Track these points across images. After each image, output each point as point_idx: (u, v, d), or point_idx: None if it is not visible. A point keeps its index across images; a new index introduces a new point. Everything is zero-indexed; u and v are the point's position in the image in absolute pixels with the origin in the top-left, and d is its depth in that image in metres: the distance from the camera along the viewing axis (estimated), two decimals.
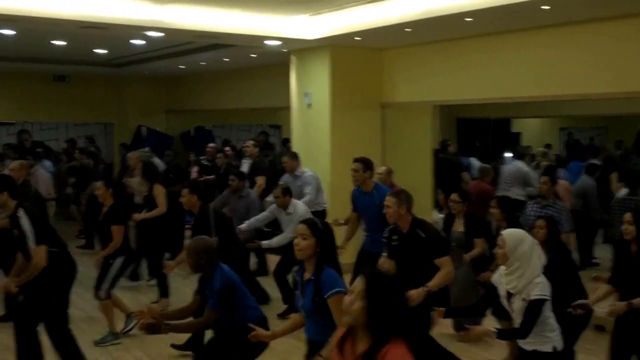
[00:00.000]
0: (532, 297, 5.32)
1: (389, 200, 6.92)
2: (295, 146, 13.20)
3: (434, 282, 6.62)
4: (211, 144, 16.95)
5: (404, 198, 6.93)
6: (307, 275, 5.00)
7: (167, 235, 10.86)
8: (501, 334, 5.76)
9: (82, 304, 10.23)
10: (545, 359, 5.47)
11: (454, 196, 8.94)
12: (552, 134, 22.17)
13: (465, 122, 21.08)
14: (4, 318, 9.29)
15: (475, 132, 20.35)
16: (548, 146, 20.21)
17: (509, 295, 5.51)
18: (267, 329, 5.80)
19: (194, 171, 16.13)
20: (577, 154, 16.16)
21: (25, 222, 6.99)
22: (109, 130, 21.97)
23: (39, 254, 7.03)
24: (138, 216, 10.65)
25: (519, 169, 13.26)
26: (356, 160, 8.89)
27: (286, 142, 17.60)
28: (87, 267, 9.32)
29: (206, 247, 6.28)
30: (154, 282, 11.15)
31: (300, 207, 9.77)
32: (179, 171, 15.97)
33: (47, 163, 16.41)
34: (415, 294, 6.47)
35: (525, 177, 12.89)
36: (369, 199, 8.73)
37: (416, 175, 12.29)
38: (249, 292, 6.34)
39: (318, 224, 5.07)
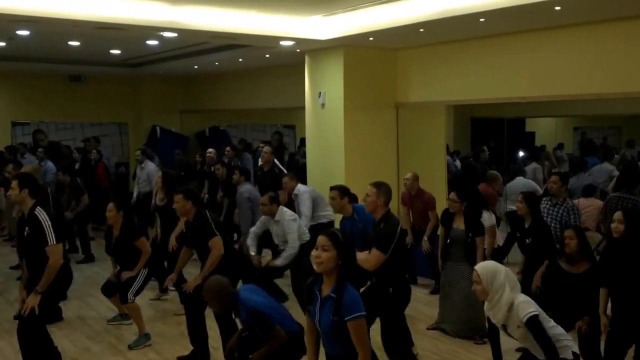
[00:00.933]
0: (524, 320, 5.36)
1: (370, 190, 7.12)
2: (309, 146, 13.28)
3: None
4: (210, 149, 15.79)
5: (384, 190, 7.14)
6: (326, 291, 4.75)
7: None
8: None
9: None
10: None
11: (452, 195, 9.07)
12: (565, 134, 22.10)
13: (480, 121, 21.06)
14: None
15: (489, 132, 20.34)
16: (560, 145, 20.22)
17: (504, 327, 5.59)
18: (300, 341, 5.92)
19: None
20: (591, 151, 16.26)
21: (44, 219, 7.01)
22: (124, 130, 22.04)
23: (57, 252, 7.04)
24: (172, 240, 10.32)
25: (527, 183, 13.10)
26: (332, 188, 8.83)
27: (303, 142, 17.46)
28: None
29: (224, 286, 6.55)
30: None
31: (286, 211, 9.81)
32: (189, 169, 16.02)
33: (50, 165, 16.32)
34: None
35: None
36: (352, 223, 8.61)
37: (430, 175, 12.31)
38: (277, 307, 6.53)
39: (339, 235, 4.78)
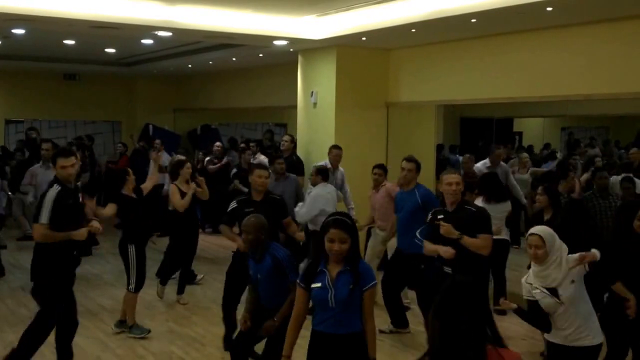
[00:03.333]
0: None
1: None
2: (301, 144, 13.40)
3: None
4: (218, 143, 17.12)
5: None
6: (338, 267, 4.99)
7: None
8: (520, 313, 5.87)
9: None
10: (591, 352, 5.74)
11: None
12: (553, 134, 22.22)
13: (469, 121, 21.21)
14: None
15: (478, 132, 20.50)
16: (547, 146, 20.39)
17: (552, 291, 5.65)
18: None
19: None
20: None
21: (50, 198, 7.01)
22: (117, 128, 22.13)
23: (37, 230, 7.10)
24: None
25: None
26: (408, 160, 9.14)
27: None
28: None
29: (265, 223, 6.60)
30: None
31: (326, 186, 10.18)
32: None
33: None
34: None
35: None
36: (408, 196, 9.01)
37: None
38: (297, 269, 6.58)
39: (350, 223, 5.01)
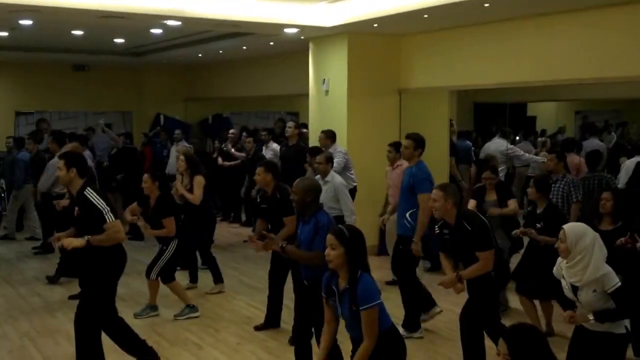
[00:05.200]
0: (611, 290, 5.47)
1: (436, 194, 6.79)
2: (313, 132, 13.32)
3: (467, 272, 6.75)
4: (232, 130, 17.15)
5: (451, 192, 6.81)
6: (343, 284, 5.06)
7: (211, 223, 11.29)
8: (599, 317, 5.60)
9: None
10: (618, 340, 5.65)
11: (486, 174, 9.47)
12: (567, 118, 22.10)
13: (482, 106, 21.07)
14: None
15: (491, 117, 20.36)
16: (561, 129, 20.30)
17: (574, 288, 5.63)
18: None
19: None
20: (592, 133, 16.66)
21: (96, 199, 6.71)
22: (128, 118, 22.08)
23: (117, 227, 6.77)
24: None
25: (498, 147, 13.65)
26: (408, 136, 9.22)
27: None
28: None
29: (314, 186, 6.74)
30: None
31: (337, 177, 9.82)
32: (205, 157, 16.14)
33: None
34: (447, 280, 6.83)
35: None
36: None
37: (432, 161, 12.33)
38: None
39: (345, 231, 5.07)
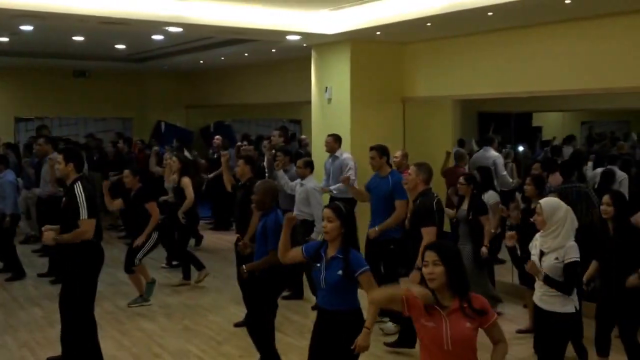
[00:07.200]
0: (568, 260, 6.07)
1: (411, 169, 7.98)
2: (315, 141, 13.21)
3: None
4: (217, 137, 17.01)
5: (425, 169, 7.96)
6: (331, 253, 5.61)
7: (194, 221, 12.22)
8: (547, 280, 6.14)
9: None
10: (566, 319, 6.19)
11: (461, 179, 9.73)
12: (573, 128, 22.00)
13: (487, 116, 20.95)
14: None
15: (496, 126, 20.25)
16: (571, 137, 20.07)
17: (542, 254, 6.22)
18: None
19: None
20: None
21: (80, 193, 7.24)
22: (128, 125, 22.02)
23: (88, 226, 7.25)
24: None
25: (486, 157, 13.30)
26: (372, 148, 9.83)
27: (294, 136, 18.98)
28: None
29: (272, 188, 7.57)
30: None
31: (310, 182, 10.35)
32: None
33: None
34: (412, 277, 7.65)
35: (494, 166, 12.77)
36: (379, 182, 9.65)
37: (436, 170, 12.22)
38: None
39: (342, 207, 5.67)
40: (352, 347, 5.45)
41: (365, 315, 5.65)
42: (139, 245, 10.10)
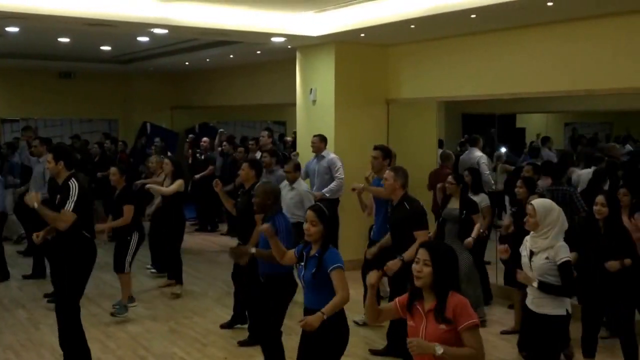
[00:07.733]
0: (561, 261, 6.04)
1: (388, 174, 7.86)
2: (300, 142, 13.26)
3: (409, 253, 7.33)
4: (205, 138, 17.28)
5: (402, 174, 7.83)
6: (313, 252, 5.68)
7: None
8: (542, 286, 6.09)
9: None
10: (558, 321, 6.10)
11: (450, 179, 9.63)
12: (556, 130, 22.07)
13: (471, 117, 21.01)
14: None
15: (480, 128, 20.32)
16: (546, 139, 20.11)
17: (531, 254, 6.21)
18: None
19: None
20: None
21: (74, 188, 7.26)
22: (114, 126, 21.99)
23: (67, 217, 7.21)
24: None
25: (471, 157, 13.40)
26: (376, 147, 9.66)
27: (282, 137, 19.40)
28: None
29: (275, 190, 7.44)
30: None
31: (302, 185, 10.46)
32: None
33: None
34: (392, 264, 7.54)
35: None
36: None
37: (420, 171, 12.27)
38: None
39: (324, 210, 5.69)
40: (299, 321, 5.50)
41: (346, 314, 5.70)
42: (121, 249, 9.95)
